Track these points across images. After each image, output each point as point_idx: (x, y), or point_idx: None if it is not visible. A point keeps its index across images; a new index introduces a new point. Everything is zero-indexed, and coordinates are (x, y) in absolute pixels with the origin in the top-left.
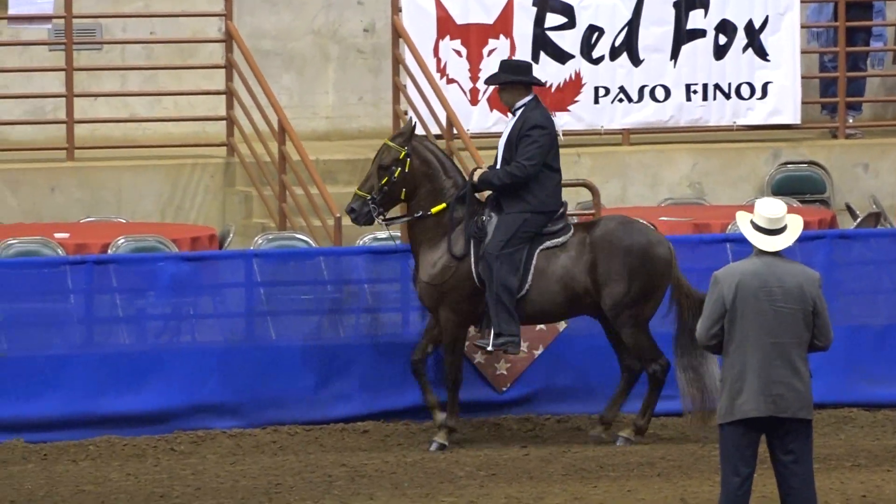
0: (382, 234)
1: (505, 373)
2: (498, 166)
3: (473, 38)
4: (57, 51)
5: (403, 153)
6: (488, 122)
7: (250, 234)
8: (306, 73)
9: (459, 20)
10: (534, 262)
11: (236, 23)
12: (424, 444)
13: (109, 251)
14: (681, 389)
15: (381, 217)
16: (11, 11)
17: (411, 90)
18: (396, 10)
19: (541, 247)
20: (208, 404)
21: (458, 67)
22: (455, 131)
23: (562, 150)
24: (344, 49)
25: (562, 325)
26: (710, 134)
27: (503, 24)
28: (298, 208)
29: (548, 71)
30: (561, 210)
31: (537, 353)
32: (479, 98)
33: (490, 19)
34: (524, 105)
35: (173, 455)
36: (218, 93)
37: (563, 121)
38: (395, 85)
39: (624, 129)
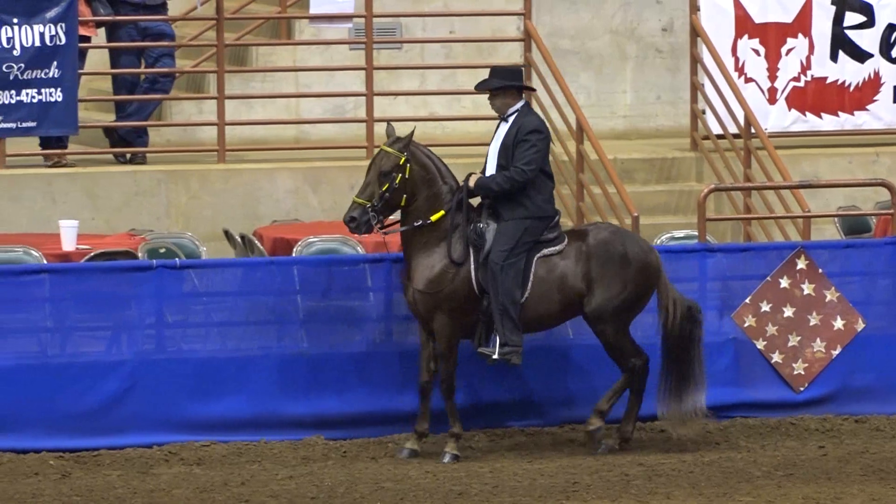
0: (679, 234)
1: (802, 373)
2: (488, 172)
3: (771, 36)
4: (357, 50)
5: (403, 159)
6: (786, 121)
7: None
8: (604, 72)
9: (757, 19)
10: (533, 269)
11: (535, 22)
12: (721, 443)
13: None
14: (660, 392)
15: (380, 225)
16: (313, 11)
17: (709, 89)
18: (695, 9)
19: (538, 254)
20: (506, 402)
21: (756, 66)
22: (753, 130)
23: (860, 150)
24: (642, 48)
25: (860, 325)
26: None
27: (801, 23)
28: (596, 207)
29: (846, 70)
30: (557, 217)
31: (835, 352)
32: (777, 97)
33: (788, 18)
34: (517, 111)
35: (471, 453)
36: None
37: (860, 120)
38: (693, 84)
39: None
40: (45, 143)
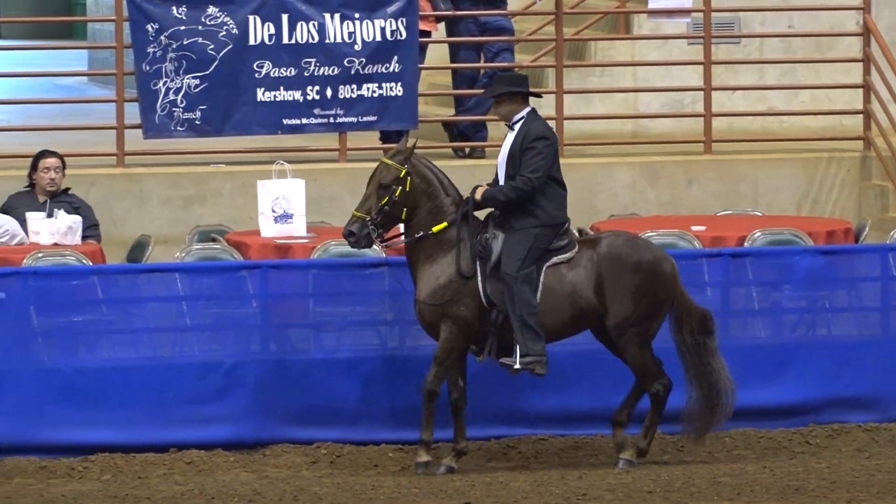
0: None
1: None
2: (500, 183)
3: None
4: (696, 44)
5: (404, 171)
6: None
7: (886, 227)
8: None
9: None
10: (541, 278)
11: (874, 16)
12: None
13: (745, 244)
14: (687, 404)
15: (380, 239)
16: (651, 5)
17: None
18: None
19: (547, 263)
20: (843, 398)
21: None
22: None
23: None
24: None
25: None
26: None
27: None
28: None
29: None
30: (566, 225)
31: None
32: None
33: None
34: (523, 118)
35: (808, 448)
36: (855, 86)
37: None
38: None
39: None
40: (385, 137)
